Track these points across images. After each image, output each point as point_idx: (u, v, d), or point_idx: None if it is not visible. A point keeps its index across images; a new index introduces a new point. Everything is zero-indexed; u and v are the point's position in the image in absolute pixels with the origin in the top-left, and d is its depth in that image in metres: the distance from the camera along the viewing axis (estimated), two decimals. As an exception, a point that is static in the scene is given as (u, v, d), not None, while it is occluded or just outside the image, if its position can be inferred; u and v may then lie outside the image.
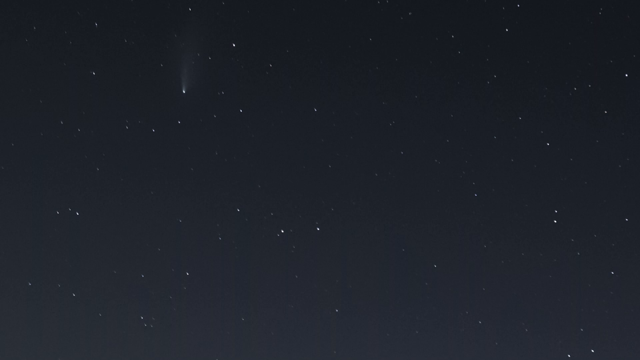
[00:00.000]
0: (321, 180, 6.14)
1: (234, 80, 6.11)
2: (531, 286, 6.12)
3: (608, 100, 5.87)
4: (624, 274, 5.97)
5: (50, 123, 6.14)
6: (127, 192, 6.29)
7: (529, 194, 6.03)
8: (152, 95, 6.14)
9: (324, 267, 6.28)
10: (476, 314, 6.08)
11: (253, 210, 6.28)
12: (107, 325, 6.24)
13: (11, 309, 6.25)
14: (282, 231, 6.20)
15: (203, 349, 6.17)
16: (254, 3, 5.90)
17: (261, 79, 6.05)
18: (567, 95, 5.88)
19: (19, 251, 6.41)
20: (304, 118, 6.08)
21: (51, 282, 6.24)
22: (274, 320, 6.23)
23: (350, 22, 5.93)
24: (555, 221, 5.92)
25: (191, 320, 6.34)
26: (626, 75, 5.93)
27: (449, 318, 6.18)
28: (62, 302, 6.34)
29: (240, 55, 6.04)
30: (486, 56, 5.96)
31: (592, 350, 5.97)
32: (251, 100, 6.11)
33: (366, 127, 6.05)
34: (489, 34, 5.95)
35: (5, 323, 6.22)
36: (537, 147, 5.97)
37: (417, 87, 5.95)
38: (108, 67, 6.12)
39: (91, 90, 6.12)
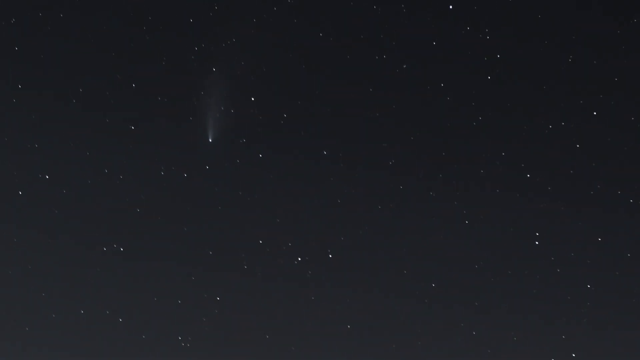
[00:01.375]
0: (331, 214, 6.73)
1: (254, 129, 6.68)
2: (518, 299, 6.64)
3: (581, 135, 6.33)
4: (598, 287, 6.48)
5: (97, 171, 6.79)
6: (163, 229, 6.89)
7: (513, 221, 6.55)
8: (183, 145, 6.74)
9: (335, 289, 6.83)
10: (470, 326, 6.68)
11: (273, 241, 6.87)
12: (150, 345, 6.88)
13: (67, 332, 6.86)
14: (299, 259, 6.77)
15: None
16: (269, 62, 6.47)
17: (277, 127, 6.62)
18: (543, 131, 6.37)
19: (74, 283, 7.05)
20: (315, 160, 6.63)
21: (101, 310, 6.87)
22: (294, 335, 6.79)
23: (352, 75, 6.44)
24: (536, 242, 6.47)
25: (222, 339, 6.93)
26: (594, 113, 6.45)
27: (448, 331, 6.72)
28: (111, 326, 6.95)
29: (258, 107, 6.62)
30: (472, 101, 6.45)
31: (573, 355, 6.52)
32: (269, 146, 6.67)
33: (368, 167, 6.57)
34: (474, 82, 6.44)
35: (63, 344, 6.87)
36: (520, 180, 6.44)
37: (414, 130, 6.47)
38: (145, 121, 6.74)
39: (131, 142, 6.74)
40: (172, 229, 6.94)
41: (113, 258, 6.96)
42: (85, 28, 6.66)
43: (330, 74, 6.56)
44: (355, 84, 6.55)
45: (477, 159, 6.63)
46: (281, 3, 6.38)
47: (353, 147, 6.60)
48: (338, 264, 6.85)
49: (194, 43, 6.50)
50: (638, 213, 6.46)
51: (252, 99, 6.60)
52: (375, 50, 6.44)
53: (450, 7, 6.35)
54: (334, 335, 6.87)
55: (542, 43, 6.38)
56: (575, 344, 6.64)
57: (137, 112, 6.76)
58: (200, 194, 6.91)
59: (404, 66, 6.45)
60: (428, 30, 6.45)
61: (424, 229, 6.73)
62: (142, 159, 6.83)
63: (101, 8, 6.53)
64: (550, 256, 6.56)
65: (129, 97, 6.73)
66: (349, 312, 6.86)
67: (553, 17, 6.32)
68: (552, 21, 6.33)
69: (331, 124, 6.64)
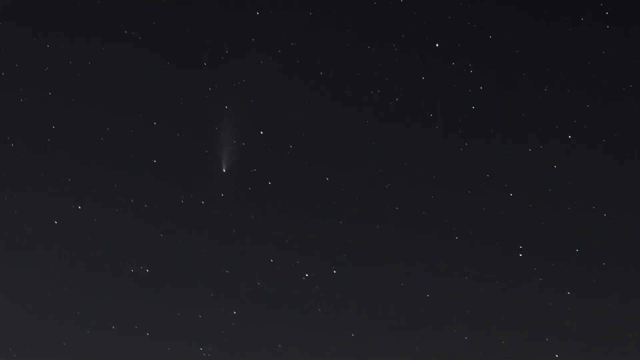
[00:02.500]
0: (334, 234, 7.03)
1: (263, 160, 6.97)
2: (504, 307, 6.97)
3: (560, 161, 6.67)
4: (578, 294, 6.84)
5: (124, 201, 7.10)
6: (184, 251, 7.16)
7: (499, 236, 6.86)
8: (200, 175, 6.99)
9: (340, 301, 7.12)
10: (462, 332, 7.01)
11: (283, 260, 7.13)
12: (174, 355, 7.23)
13: (100, 346, 7.23)
14: (307, 275, 7.11)
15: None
16: (274, 100, 6.82)
17: (283, 158, 6.89)
18: (523, 155, 6.71)
19: (106, 302, 7.31)
20: (318, 187, 6.94)
21: (130, 325, 7.23)
22: (304, 344, 7.14)
23: (348, 109, 6.79)
24: (520, 255, 6.83)
25: (239, 349, 7.25)
26: (569, 137, 6.65)
27: (443, 336, 7.05)
28: (140, 339, 7.26)
29: (266, 140, 6.92)
30: (458, 128, 6.77)
31: (557, 356, 6.89)
32: (276, 175, 6.95)
33: (366, 192, 6.90)
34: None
35: (97, 357, 7.26)
36: (504, 200, 6.80)
37: (409, 158, 6.80)
38: (166, 155, 6.99)
39: (154, 174, 6.99)
40: (192, 251, 7.18)
41: (140, 278, 7.19)
42: (113, 71, 6.89)
43: (329, 109, 6.86)
44: (351, 117, 6.82)
45: (464, 183, 6.89)
46: (284, 47, 6.70)
47: (352, 175, 6.90)
48: (341, 278, 7.13)
49: (208, 84, 6.81)
50: (611, 227, 6.70)
51: (261, 132, 6.92)
52: (369, 87, 6.73)
53: (437, 44, 6.63)
54: (340, 342, 7.15)
55: (521, 76, 6.60)
56: (558, 345, 6.97)
57: (158, 147, 7.00)
58: (216, 219, 7.14)
59: (396, 99, 6.73)
60: (417, 66, 6.66)
61: (417, 246, 7.01)
62: (163, 189, 7.08)
63: (123, 54, 6.82)
64: (533, 267, 6.86)
65: (152, 135, 6.98)
66: (353, 321, 7.16)
67: (533, 50, 6.55)
68: (533, 53, 6.57)
69: (332, 154, 6.92)
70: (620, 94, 6.48)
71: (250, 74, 6.79)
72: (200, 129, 6.99)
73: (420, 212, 6.90)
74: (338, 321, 7.20)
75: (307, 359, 7.16)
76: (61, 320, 7.29)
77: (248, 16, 6.68)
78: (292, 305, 7.23)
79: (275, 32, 6.67)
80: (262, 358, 7.34)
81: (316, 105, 6.84)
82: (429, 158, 6.83)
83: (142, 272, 7.20)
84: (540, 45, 6.51)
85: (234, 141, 6.94)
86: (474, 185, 6.82)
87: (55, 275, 7.28)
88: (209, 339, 7.30)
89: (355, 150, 6.87)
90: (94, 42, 6.78)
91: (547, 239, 6.85)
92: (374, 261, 7.08)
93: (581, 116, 6.55)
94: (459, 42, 6.51)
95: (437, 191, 6.88)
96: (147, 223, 7.16)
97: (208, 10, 6.73)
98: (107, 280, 7.30)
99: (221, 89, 6.83)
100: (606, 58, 6.43)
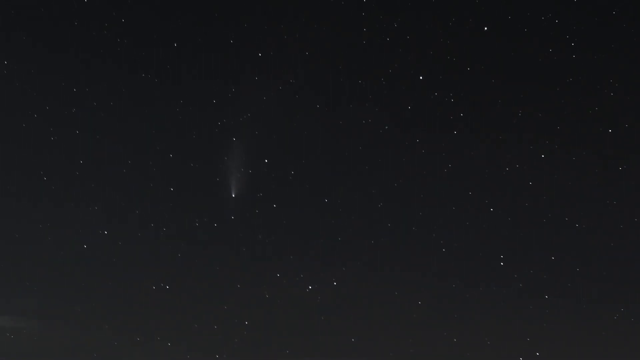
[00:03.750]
0: (334, 249, 7.29)
1: (268, 185, 7.19)
2: (488, 310, 7.26)
3: (534, 178, 6.91)
4: (554, 297, 7.13)
5: (145, 225, 7.33)
6: (200, 269, 7.40)
7: (481, 247, 7.15)
8: (212, 200, 7.24)
9: (340, 310, 7.39)
10: (451, 334, 7.30)
11: (289, 273, 7.32)
12: None
13: (128, 356, 7.44)
14: (310, 287, 7.32)
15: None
16: (277, 131, 7.06)
17: (286, 183, 7.13)
18: (501, 174, 6.93)
19: (132, 317, 7.51)
20: (318, 208, 7.20)
21: (154, 336, 7.47)
22: (309, 349, 7.39)
23: (344, 142, 7.03)
24: (501, 263, 7.11)
25: (250, 355, 7.46)
26: (542, 156, 6.81)
27: (434, 339, 7.31)
28: (162, 349, 7.45)
29: (271, 167, 7.15)
30: (442, 152, 6.95)
31: (537, 354, 7.13)
32: (281, 199, 7.19)
33: (360, 213, 7.19)
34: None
35: None
36: (485, 215, 7.05)
37: (399, 181, 7.04)
38: (181, 183, 7.21)
39: (171, 200, 7.22)
40: (207, 268, 7.39)
41: (161, 295, 7.39)
42: (133, 110, 7.08)
43: (325, 138, 7.08)
44: (345, 144, 7.04)
45: (449, 201, 7.10)
46: (284, 84, 6.87)
47: (348, 196, 7.17)
48: (341, 290, 7.35)
49: (217, 119, 7.02)
50: (581, 236, 6.99)
51: (265, 160, 7.13)
52: (360, 117, 6.93)
53: (421, 77, 6.80)
54: (341, 346, 7.34)
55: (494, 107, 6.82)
56: (538, 344, 7.19)
57: (175, 177, 7.21)
58: (227, 239, 7.34)
59: (386, 127, 6.91)
60: (404, 97, 6.86)
61: (408, 258, 7.25)
62: (180, 214, 7.30)
63: (142, 95, 7.03)
64: (513, 274, 7.12)
65: (168, 165, 7.17)
66: (352, 327, 7.39)
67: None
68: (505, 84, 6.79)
69: (329, 178, 7.18)
70: (585, 117, 6.70)
71: (255, 109, 6.98)
72: (211, 159, 7.14)
73: (410, 228, 7.16)
74: (338, 327, 7.38)
75: (311, 362, 7.36)
76: (92, 331, 7.48)
77: (251, 58, 6.86)
78: (298, 314, 7.41)
79: (276, 72, 6.86)
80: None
81: (314, 135, 7.05)
82: (417, 179, 7.07)
83: (162, 289, 7.38)
84: (512, 76, 6.71)
85: (241, 169, 7.11)
86: (458, 203, 7.08)
87: (86, 290, 7.48)
88: (223, 346, 7.45)
89: (349, 174, 7.11)
90: (116, 85, 6.98)
91: (525, 248, 7.12)
92: (369, 273, 7.30)
93: (552, 137, 6.80)
94: (440, 75, 6.77)
95: (425, 209, 7.13)
96: (166, 244, 7.36)
97: (216, 55, 6.91)
98: (132, 296, 7.48)
99: (229, 124, 7.00)
100: (573, 84, 6.66)
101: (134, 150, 7.23)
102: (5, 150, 7.28)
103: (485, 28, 6.65)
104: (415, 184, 7.08)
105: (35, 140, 7.15)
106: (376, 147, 7.03)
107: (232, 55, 6.88)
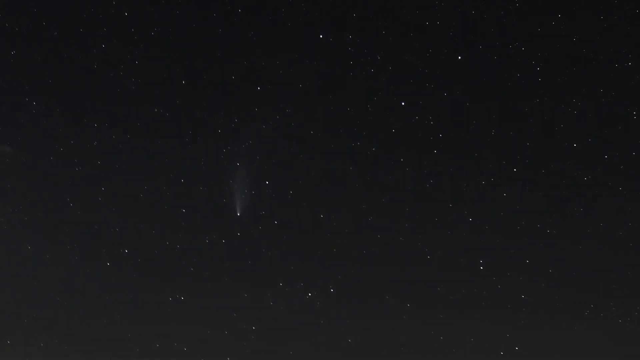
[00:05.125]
0: (330, 260, 7.47)
1: (269, 205, 7.38)
2: (470, 311, 7.42)
3: (508, 190, 7.03)
4: (531, 297, 7.26)
5: (161, 244, 7.55)
6: (211, 281, 7.59)
7: (462, 253, 7.31)
8: (220, 219, 7.44)
9: (336, 313, 7.59)
10: (439, 333, 7.47)
11: (291, 282, 7.52)
12: None
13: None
14: (309, 294, 7.52)
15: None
16: (276, 157, 7.23)
17: (285, 202, 7.33)
18: (478, 188, 7.01)
19: (152, 326, 7.68)
20: (314, 224, 7.36)
21: (172, 342, 7.73)
22: (310, 349, 7.58)
23: (336, 163, 7.16)
24: (481, 268, 7.30)
25: (259, 356, 7.68)
26: (514, 170, 6.98)
27: (422, 338, 7.44)
28: (180, 353, 7.67)
29: (272, 188, 7.33)
30: (424, 169, 7.08)
31: (517, 348, 7.34)
32: (280, 216, 7.41)
33: (352, 226, 7.34)
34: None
35: None
36: (464, 225, 7.19)
37: (390, 198, 7.17)
38: (192, 205, 7.49)
39: (184, 220, 7.47)
40: (217, 280, 7.58)
41: (177, 305, 7.63)
42: (148, 142, 7.23)
43: (319, 160, 7.24)
44: (336, 165, 7.19)
45: (431, 213, 7.23)
46: (281, 114, 7.07)
47: (341, 213, 7.36)
48: (337, 296, 7.54)
49: (222, 147, 7.24)
50: (553, 242, 7.11)
51: (267, 182, 7.28)
52: (350, 140, 7.03)
53: (402, 103, 6.94)
54: (338, 347, 7.53)
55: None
56: (517, 339, 7.36)
57: (186, 200, 7.47)
58: (234, 254, 7.48)
59: (373, 149, 6.98)
60: (387, 122, 6.96)
61: (397, 265, 7.39)
62: (192, 232, 7.50)
63: (156, 127, 7.20)
64: (491, 276, 7.30)
65: (181, 190, 7.43)
66: (348, 330, 7.58)
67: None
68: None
69: (323, 197, 7.33)
70: (553, 133, 6.79)
71: (255, 137, 7.11)
72: (218, 183, 7.28)
73: (398, 238, 7.32)
74: (336, 329, 7.52)
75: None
76: (118, 338, 7.67)
77: (251, 93, 7.02)
78: (299, 318, 7.55)
79: (273, 104, 7.04)
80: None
81: (309, 158, 7.22)
82: (403, 195, 7.20)
83: (178, 300, 7.60)
84: (484, 99, 6.83)
85: (245, 191, 7.24)
86: (440, 214, 7.20)
87: (113, 302, 7.67)
88: (234, 350, 7.63)
89: (342, 193, 7.27)
90: (134, 121, 7.24)
91: (502, 253, 7.25)
92: (362, 280, 7.45)
93: (524, 153, 6.91)
94: (420, 101, 6.91)
95: (410, 221, 7.28)
96: (180, 259, 7.52)
97: (220, 90, 7.12)
98: (152, 306, 7.70)
99: (233, 150, 7.13)
100: (538, 106, 6.76)
101: (151, 178, 7.43)
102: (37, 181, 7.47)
103: (459, 57, 6.80)
104: (401, 199, 7.25)
105: (62, 171, 7.41)
106: (365, 167, 7.21)
107: (233, 90, 7.10)
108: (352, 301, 7.57)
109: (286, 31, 6.88)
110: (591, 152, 6.89)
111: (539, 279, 7.26)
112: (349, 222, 7.37)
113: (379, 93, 6.99)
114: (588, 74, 6.69)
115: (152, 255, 7.59)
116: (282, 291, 7.53)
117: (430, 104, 6.95)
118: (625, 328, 7.15)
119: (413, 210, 7.27)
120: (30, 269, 7.66)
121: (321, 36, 6.88)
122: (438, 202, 7.24)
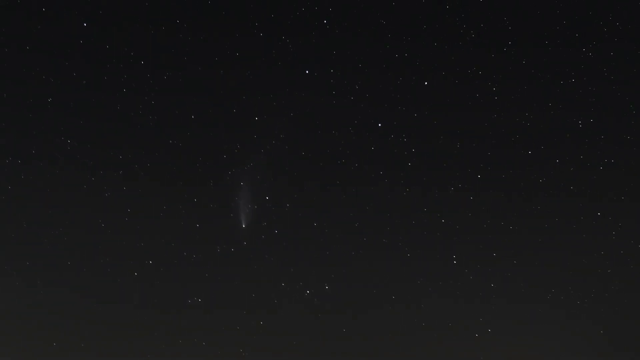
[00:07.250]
0: (325, 262, 7.94)
1: (270, 217, 7.88)
2: (449, 304, 7.94)
3: (481, 199, 7.50)
4: (497, 284, 7.79)
5: (177, 254, 7.95)
6: (221, 287, 8.04)
7: (439, 251, 7.80)
8: (228, 231, 7.89)
9: (332, 308, 8.04)
10: (429, 325, 7.98)
11: (292, 284, 8.02)
12: (221, 356, 7.95)
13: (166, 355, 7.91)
14: (307, 292, 8.01)
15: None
16: (275, 174, 7.74)
17: (284, 214, 7.85)
18: (460, 198, 7.51)
19: (168, 329, 8.01)
20: (311, 231, 7.83)
21: (190, 340, 8.03)
22: (309, 341, 8.01)
23: (331, 181, 7.63)
24: (454, 262, 7.80)
25: (266, 348, 8.07)
26: (497, 179, 7.70)
27: (411, 331, 7.82)
28: (196, 347, 8.01)
29: (272, 202, 7.85)
30: (403, 182, 7.70)
31: (489, 330, 7.92)
32: (280, 226, 7.91)
33: (342, 231, 7.80)
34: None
35: None
36: (439, 227, 7.67)
37: (370, 214, 7.65)
38: (204, 220, 7.92)
39: (197, 234, 7.89)
40: (228, 283, 8.04)
41: (194, 312, 8.12)
42: (163, 168, 7.62)
43: (314, 178, 7.67)
44: (331, 183, 7.66)
45: (412, 217, 7.68)
46: (277, 139, 7.57)
47: (334, 222, 7.86)
48: (333, 293, 8.02)
49: (228, 169, 7.73)
50: (515, 237, 7.63)
51: (267, 198, 7.82)
52: (345, 159, 7.50)
53: (379, 124, 7.51)
54: (334, 338, 7.96)
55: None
56: (489, 323, 7.99)
57: (198, 216, 7.91)
58: (241, 260, 7.98)
59: (356, 164, 7.54)
60: (368, 140, 7.42)
61: (382, 264, 7.90)
62: (205, 243, 7.93)
63: (170, 155, 7.60)
64: (464, 269, 7.87)
65: (193, 208, 7.91)
66: (342, 322, 8.06)
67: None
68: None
69: (318, 209, 7.83)
70: (509, 143, 7.35)
71: (256, 159, 7.60)
72: (225, 200, 7.78)
73: (381, 240, 7.89)
74: (332, 323, 8.00)
75: (311, 350, 8.00)
76: (145, 337, 8.01)
77: (250, 122, 7.54)
78: (300, 313, 8.02)
79: (269, 130, 7.53)
80: (281, 352, 8.02)
81: (302, 176, 7.73)
82: (384, 203, 7.77)
83: (195, 301, 8.10)
84: (448, 117, 7.36)
85: (249, 206, 7.73)
86: (417, 219, 7.80)
87: (139, 306, 8.02)
88: (245, 343, 8.12)
89: (332, 203, 7.85)
90: (152, 148, 7.57)
91: (472, 248, 7.81)
92: (353, 278, 7.99)
93: (485, 161, 7.49)
94: (394, 122, 7.49)
95: (391, 226, 7.84)
96: (194, 268, 7.98)
97: (223, 122, 7.65)
98: (173, 309, 8.14)
99: (237, 172, 7.63)
100: (495, 120, 7.32)
101: (168, 198, 7.89)
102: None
103: (426, 83, 7.40)
104: (382, 207, 7.76)
105: (90, 198, 7.68)
106: (349, 181, 7.77)
107: (235, 121, 7.62)
108: (345, 298, 8.02)
109: (277, 70, 7.41)
110: (542, 158, 7.47)
111: (504, 268, 7.86)
112: (339, 228, 7.89)
113: (359, 117, 7.55)
114: (535, 91, 7.32)
115: (171, 265, 8.04)
116: (284, 290, 8.00)
117: (402, 124, 7.50)
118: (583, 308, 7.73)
119: (393, 215, 7.81)
120: (67, 278, 8.00)
121: (307, 72, 7.43)
122: (414, 208, 7.79)
